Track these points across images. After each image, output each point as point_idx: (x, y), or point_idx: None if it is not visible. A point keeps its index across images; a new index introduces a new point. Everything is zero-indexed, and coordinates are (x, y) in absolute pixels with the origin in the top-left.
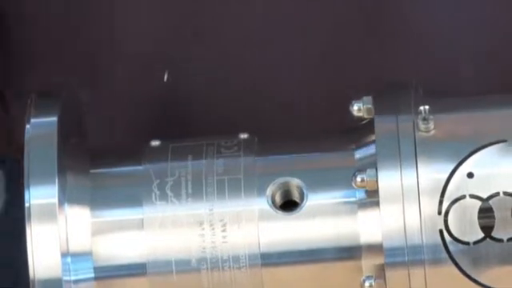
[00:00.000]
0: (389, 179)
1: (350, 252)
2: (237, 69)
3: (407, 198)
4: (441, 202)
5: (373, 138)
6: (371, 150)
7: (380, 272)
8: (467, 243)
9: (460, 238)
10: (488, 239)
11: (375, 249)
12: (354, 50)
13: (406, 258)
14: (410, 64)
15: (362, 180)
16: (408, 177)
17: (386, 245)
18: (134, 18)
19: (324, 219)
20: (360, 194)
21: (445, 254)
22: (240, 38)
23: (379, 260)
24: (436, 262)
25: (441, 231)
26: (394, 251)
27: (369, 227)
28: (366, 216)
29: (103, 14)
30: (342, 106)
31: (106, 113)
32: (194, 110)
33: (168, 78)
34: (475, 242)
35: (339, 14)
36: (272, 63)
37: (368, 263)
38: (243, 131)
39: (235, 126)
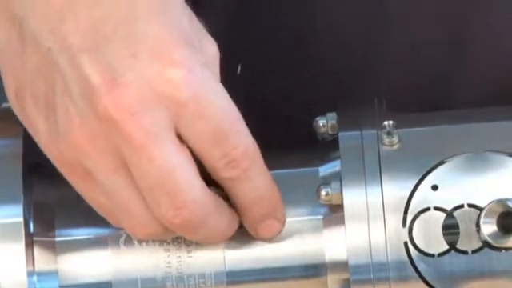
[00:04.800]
0: (353, 196)
1: (315, 269)
2: None
3: (372, 215)
4: (405, 215)
5: (337, 154)
6: (336, 165)
7: (345, 285)
8: (432, 255)
9: (425, 250)
10: (453, 251)
11: (341, 266)
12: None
13: (372, 276)
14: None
15: (327, 194)
16: (373, 192)
17: (351, 262)
18: None
19: (289, 237)
20: (325, 211)
21: (410, 267)
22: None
23: (345, 276)
24: (401, 276)
25: (405, 244)
26: (359, 268)
27: (334, 244)
28: (331, 233)
29: None
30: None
31: None
32: None
33: (240, 72)
34: (440, 254)
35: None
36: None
37: (334, 280)
38: None
39: None
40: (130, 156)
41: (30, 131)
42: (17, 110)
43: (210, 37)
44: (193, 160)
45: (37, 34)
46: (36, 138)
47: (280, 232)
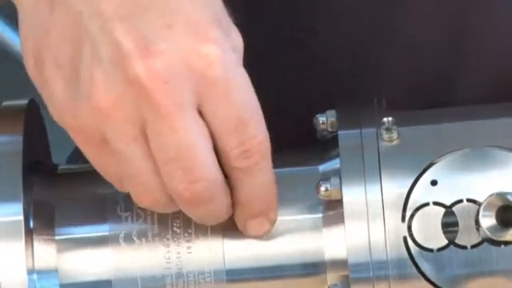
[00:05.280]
0: (353, 193)
1: (314, 268)
2: None
3: (371, 211)
4: (404, 210)
5: (337, 151)
6: (335, 163)
7: (345, 284)
8: (431, 250)
9: (424, 245)
10: (452, 246)
11: (340, 264)
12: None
13: (371, 273)
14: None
15: (327, 189)
16: (372, 189)
17: (350, 260)
18: None
19: (288, 235)
20: (324, 209)
21: (409, 263)
22: None
23: (344, 274)
24: (401, 273)
25: (405, 238)
26: (358, 266)
27: (333, 243)
28: (331, 231)
29: None
30: None
31: None
32: None
33: None
34: (439, 249)
35: None
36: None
37: (333, 278)
38: None
39: None
40: (152, 124)
41: (45, 96)
42: (34, 74)
43: (235, 27)
44: (210, 139)
45: None
46: (50, 104)
47: (268, 233)
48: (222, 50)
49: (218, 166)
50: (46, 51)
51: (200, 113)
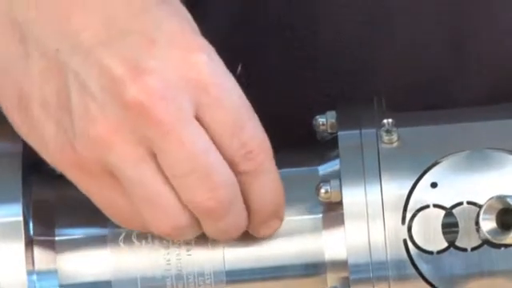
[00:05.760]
0: (353, 194)
1: (315, 268)
2: None
3: (371, 213)
4: (404, 212)
5: (337, 152)
6: (335, 164)
7: (345, 285)
8: (431, 252)
9: (424, 247)
10: (452, 248)
11: (340, 265)
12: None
13: (371, 274)
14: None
15: (327, 191)
16: (372, 191)
17: (350, 261)
18: None
19: (288, 235)
20: (324, 210)
21: (409, 265)
22: None
23: (344, 275)
24: (401, 274)
25: (405, 241)
26: (358, 267)
27: (333, 243)
28: (331, 232)
29: None
30: None
31: None
32: None
33: (240, 72)
34: (439, 252)
35: None
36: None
37: (333, 278)
38: None
39: None
40: (159, 142)
41: (34, 141)
42: (18, 121)
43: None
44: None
45: (41, 37)
46: (42, 148)
47: (277, 229)
48: (208, 57)
49: (230, 169)
50: (28, 93)
51: (199, 123)
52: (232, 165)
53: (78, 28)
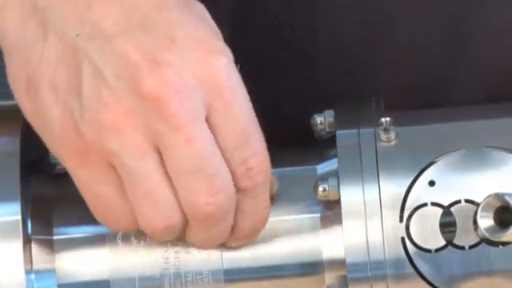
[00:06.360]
0: (351, 193)
1: (312, 267)
2: None
3: (369, 211)
4: (402, 210)
5: (335, 151)
6: (333, 163)
7: (343, 284)
8: (429, 251)
9: (422, 245)
10: (450, 246)
11: (338, 264)
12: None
13: (369, 273)
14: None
15: (324, 190)
16: (370, 189)
17: (348, 260)
18: None
19: (286, 234)
20: (322, 209)
21: (407, 263)
22: None
23: (342, 273)
24: (399, 273)
25: (403, 239)
26: (356, 266)
27: (331, 242)
28: (328, 231)
29: None
30: None
31: None
32: None
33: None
34: (437, 250)
35: None
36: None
37: (331, 277)
38: None
39: None
40: (168, 137)
41: (39, 125)
42: (25, 102)
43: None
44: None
45: (62, 22)
46: (46, 132)
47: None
48: (227, 60)
49: (231, 178)
50: (39, 77)
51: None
52: (233, 179)
53: (99, 16)
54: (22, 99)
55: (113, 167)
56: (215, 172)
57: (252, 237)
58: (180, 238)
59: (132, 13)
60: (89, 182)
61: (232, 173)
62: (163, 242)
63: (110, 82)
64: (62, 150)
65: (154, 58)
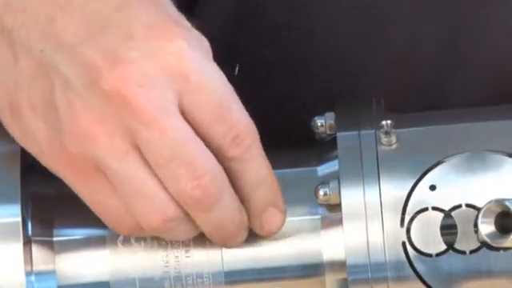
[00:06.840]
0: (351, 196)
1: (313, 269)
2: None
3: (370, 215)
4: (403, 215)
5: (335, 153)
6: (334, 165)
7: (343, 286)
8: (430, 255)
9: (423, 250)
10: (451, 251)
11: (338, 266)
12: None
13: (370, 276)
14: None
15: (325, 194)
16: (371, 192)
17: (349, 262)
18: None
19: (287, 236)
20: (322, 211)
21: (408, 267)
22: None
23: (342, 276)
24: (399, 277)
25: (403, 244)
26: (357, 268)
27: (332, 244)
28: (329, 233)
29: None
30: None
31: None
32: None
33: (238, 72)
34: (438, 254)
35: None
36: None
37: (331, 280)
38: None
39: None
40: (141, 132)
41: (29, 145)
42: (12, 127)
43: (195, 30)
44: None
45: (27, 40)
46: (38, 153)
47: (282, 224)
48: (187, 44)
49: (215, 159)
50: (18, 99)
51: (183, 113)
52: (220, 151)
53: (60, 29)
54: (9, 125)
55: (103, 172)
56: (193, 156)
57: (273, 205)
58: (194, 232)
59: (93, 18)
60: (86, 191)
61: (220, 146)
62: (163, 245)
63: (79, 90)
64: (54, 165)
65: (115, 57)
